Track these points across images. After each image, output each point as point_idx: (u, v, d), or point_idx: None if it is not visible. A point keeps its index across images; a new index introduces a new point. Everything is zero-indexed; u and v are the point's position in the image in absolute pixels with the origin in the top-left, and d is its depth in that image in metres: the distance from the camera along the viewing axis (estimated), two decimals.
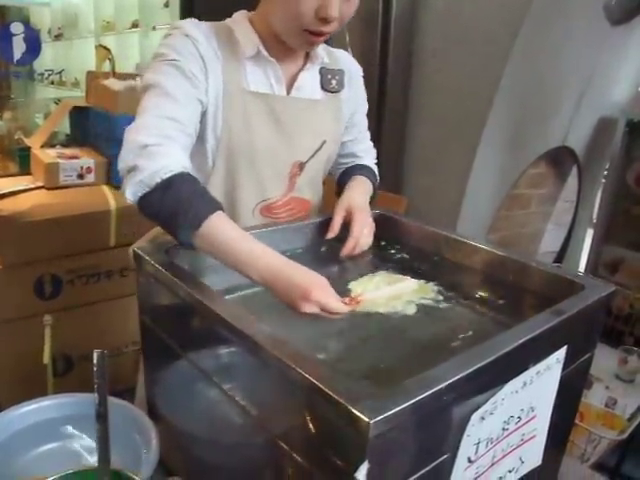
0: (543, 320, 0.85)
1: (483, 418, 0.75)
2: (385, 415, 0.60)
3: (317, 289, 0.91)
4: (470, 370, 0.70)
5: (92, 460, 0.96)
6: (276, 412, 0.78)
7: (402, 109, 2.35)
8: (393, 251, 1.29)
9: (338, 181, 1.42)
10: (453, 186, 2.30)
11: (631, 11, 2.42)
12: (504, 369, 0.77)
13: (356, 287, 1.08)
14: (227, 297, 0.97)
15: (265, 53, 1.18)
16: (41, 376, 2.06)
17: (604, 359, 2.25)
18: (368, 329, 0.96)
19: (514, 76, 2.11)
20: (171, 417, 1.06)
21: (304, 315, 0.91)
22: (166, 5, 4.09)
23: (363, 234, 1.20)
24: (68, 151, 2.28)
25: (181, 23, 1.14)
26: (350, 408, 0.60)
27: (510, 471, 0.88)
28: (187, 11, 3.01)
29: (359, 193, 1.32)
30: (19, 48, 3.05)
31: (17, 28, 3.04)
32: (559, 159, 2.88)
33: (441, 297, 1.07)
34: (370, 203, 1.34)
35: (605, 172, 3.04)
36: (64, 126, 2.79)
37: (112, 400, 0.95)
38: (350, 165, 1.44)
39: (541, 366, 0.83)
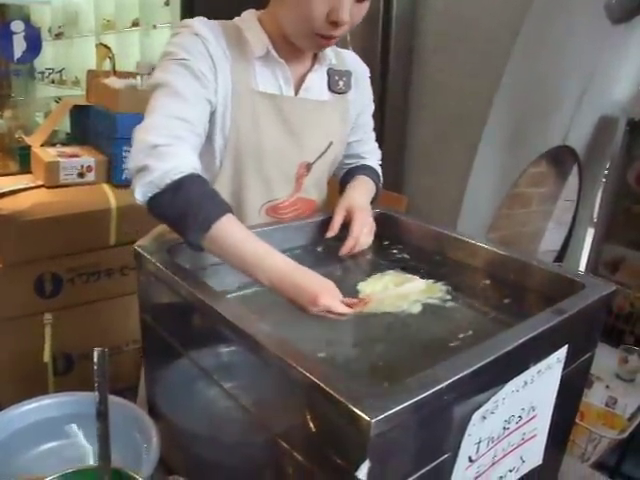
0: (544, 319, 0.85)
1: (484, 417, 0.74)
2: (386, 414, 0.60)
3: (325, 294, 0.92)
4: (471, 369, 0.70)
5: (92, 459, 0.96)
6: (277, 411, 0.78)
7: (403, 107, 2.35)
8: (394, 250, 1.29)
9: (341, 181, 1.42)
10: (454, 185, 2.30)
11: (632, 10, 2.42)
12: (505, 368, 0.77)
13: (364, 288, 1.07)
14: (228, 296, 0.97)
15: (274, 54, 1.17)
16: (41, 375, 2.07)
17: (604, 358, 2.25)
18: (370, 328, 0.96)
19: (515, 75, 2.11)
20: (172, 416, 1.06)
21: (308, 314, 0.92)
22: (166, 3, 4.08)
23: (363, 233, 1.20)
24: (68, 150, 2.28)
25: (190, 22, 1.13)
26: (351, 407, 0.60)
27: (511, 470, 0.88)
28: (188, 10, 3.01)
29: (360, 193, 1.32)
30: (19, 46, 3.05)
31: (18, 26, 3.04)
32: (560, 158, 2.88)
33: (448, 297, 1.07)
34: (372, 203, 1.34)
35: (606, 171, 3.04)
36: (64, 125, 2.79)
37: (112, 399, 0.95)
38: (354, 165, 1.44)
39: (542, 365, 0.83)
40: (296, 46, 1.15)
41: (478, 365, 0.71)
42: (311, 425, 0.70)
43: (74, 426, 1.03)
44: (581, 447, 1.71)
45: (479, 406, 0.73)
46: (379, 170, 1.47)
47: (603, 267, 2.92)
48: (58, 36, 5.90)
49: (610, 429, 1.89)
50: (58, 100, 3.88)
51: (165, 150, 1.00)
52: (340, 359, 0.88)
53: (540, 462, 0.95)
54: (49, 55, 5.84)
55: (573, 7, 2.19)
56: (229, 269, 1.00)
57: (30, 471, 0.93)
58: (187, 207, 0.97)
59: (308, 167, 1.27)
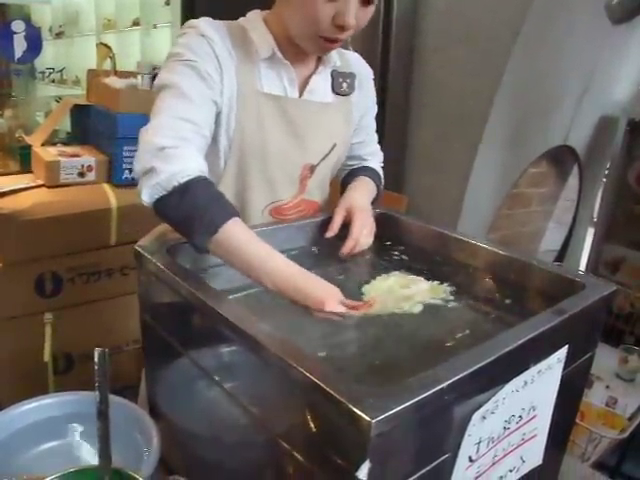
0: (544, 319, 0.85)
1: (484, 417, 0.75)
2: (386, 414, 0.60)
3: (330, 300, 0.93)
4: (471, 369, 0.70)
5: (93, 459, 0.96)
6: (277, 411, 0.78)
7: (403, 107, 2.35)
8: (394, 251, 1.29)
9: (342, 182, 1.42)
10: (454, 185, 2.30)
11: (632, 10, 2.42)
12: (505, 368, 0.77)
13: (369, 290, 1.07)
14: (229, 296, 0.97)
15: (280, 55, 1.17)
16: (42, 374, 2.07)
17: (605, 358, 2.25)
18: (370, 328, 0.96)
19: (515, 74, 2.11)
20: (172, 416, 1.06)
21: (312, 316, 0.93)
22: (167, 3, 4.07)
23: (363, 234, 1.20)
24: (69, 149, 2.27)
25: (196, 22, 1.13)
26: (351, 407, 0.60)
27: (511, 470, 0.88)
28: (188, 9, 3.01)
29: (361, 193, 1.32)
30: (20, 46, 3.04)
31: (18, 26, 3.03)
32: (560, 158, 2.88)
33: (451, 297, 1.07)
34: (373, 205, 1.34)
35: (606, 171, 3.04)
36: (65, 124, 2.78)
37: (113, 398, 0.95)
38: (355, 167, 1.44)
39: (542, 365, 0.83)
40: (301, 48, 1.15)
41: (478, 365, 0.71)
42: (311, 425, 0.70)
43: (74, 426, 1.03)
44: (581, 447, 1.71)
45: (479, 406, 0.73)
46: (381, 172, 1.48)
47: (603, 267, 2.93)
48: (59, 35, 5.89)
49: (610, 429, 1.89)
50: (59, 99, 3.87)
51: (172, 152, 1.00)
52: (340, 359, 0.88)
53: (540, 462, 0.95)
54: (50, 55, 5.83)
55: (573, 7, 2.19)
56: (230, 270, 1.01)
57: (30, 471, 0.93)
58: (194, 210, 0.97)
59: (312, 169, 1.27)
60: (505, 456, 0.85)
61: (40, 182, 2.13)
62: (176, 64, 1.10)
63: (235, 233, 0.98)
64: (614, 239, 2.90)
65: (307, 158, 1.26)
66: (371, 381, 0.80)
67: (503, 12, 2.04)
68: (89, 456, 0.99)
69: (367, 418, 0.59)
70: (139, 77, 2.27)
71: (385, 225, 1.32)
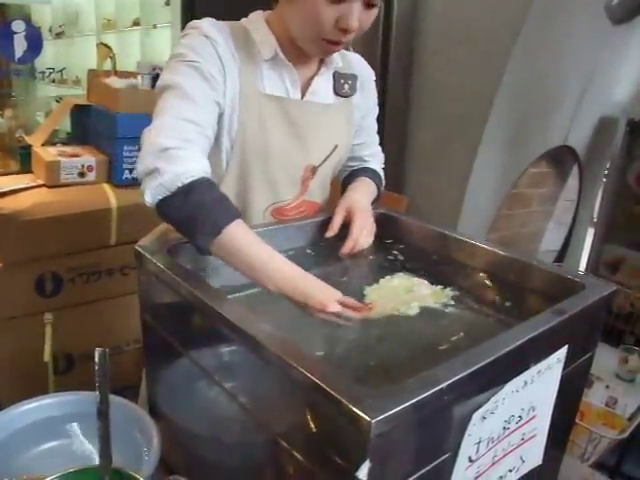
0: (544, 320, 0.85)
1: (484, 417, 0.75)
2: (386, 414, 0.60)
3: (332, 304, 0.94)
4: (471, 369, 0.70)
5: (93, 459, 0.96)
6: (277, 411, 0.79)
7: (403, 108, 2.35)
8: (394, 251, 1.29)
9: (343, 182, 1.42)
10: (454, 185, 2.30)
11: (633, 10, 2.42)
12: (505, 368, 0.77)
13: (371, 293, 1.07)
14: (229, 296, 0.97)
15: (282, 56, 1.17)
16: (42, 374, 2.07)
17: (605, 358, 2.25)
18: (368, 329, 0.96)
19: (515, 75, 2.11)
20: (172, 415, 1.06)
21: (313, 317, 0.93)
22: (167, 3, 4.08)
23: (362, 234, 1.20)
24: (69, 149, 2.28)
25: (199, 23, 1.13)
26: (352, 407, 0.60)
27: (511, 470, 0.88)
28: (188, 9, 3.02)
29: (361, 194, 1.32)
30: (20, 46, 3.04)
31: (18, 26, 3.03)
32: (560, 158, 2.88)
33: (452, 302, 1.06)
34: (373, 205, 1.34)
35: (606, 171, 3.04)
36: (65, 124, 2.79)
37: (113, 398, 0.95)
38: (356, 168, 1.44)
39: (542, 365, 0.83)
40: (303, 49, 1.15)
41: (478, 365, 0.71)
42: (311, 425, 0.70)
43: (75, 425, 1.04)
44: (581, 447, 1.71)
45: (479, 406, 0.73)
46: (381, 174, 1.48)
47: (603, 267, 2.93)
48: (59, 35, 5.90)
49: (610, 429, 1.89)
50: (59, 99, 3.88)
51: (175, 153, 1.00)
52: (339, 358, 0.88)
53: (540, 462, 0.95)
54: (50, 55, 5.83)
55: (573, 7, 2.19)
56: (230, 269, 1.01)
57: (30, 471, 0.94)
58: (197, 211, 0.97)
59: (313, 170, 1.27)
60: (505, 456, 0.85)
61: (40, 182, 2.13)
62: (179, 65, 1.09)
63: (238, 235, 0.99)
64: (614, 239, 2.90)
65: (309, 159, 1.26)
66: (370, 381, 0.80)
67: (503, 13, 2.04)
68: (89, 456, 0.99)
69: (367, 418, 0.59)
70: (139, 77, 2.28)
71: (385, 225, 1.32)
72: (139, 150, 1.04)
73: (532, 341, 0.80)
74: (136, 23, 4.51)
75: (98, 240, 2.12)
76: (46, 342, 2.04)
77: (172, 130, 1.03)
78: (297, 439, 0.74)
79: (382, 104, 1.50)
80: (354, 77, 1.31)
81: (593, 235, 3.02)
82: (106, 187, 2.18)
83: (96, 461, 0.77)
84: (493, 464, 0.83)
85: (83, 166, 2.15)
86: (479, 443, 0.76)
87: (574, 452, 1.71)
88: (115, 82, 2.28)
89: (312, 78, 1.24)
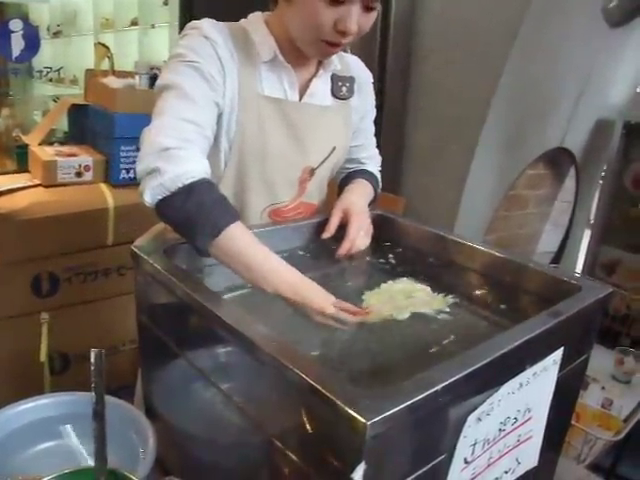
0: (540, 321, 0.85)
1: (480, 419, 0.75)
2: (382, 416, 0.60)
3: (331, 307, 0.94)
4: (467, 371, 0.70)
5: (89, 459, 0.96)
6: (273, 412, 0.78)
7: (400, 109, 2.35)
8: (390, 252, 1.29)
9: (340, 184, 1.42)
10: (451, 187, 2.30)
11: (629, 13, 2.42)
12: (501, 370, 0.77)
13: (370, 297, 1.07)
14: (225, 297, 0.97)
15: (281, 58, 1.17)
16: (38, 374, 2.06)
17: (601, 360, 2.25)
18: (364, 329, 0.96)
19: (512, 77, 2.11)
20: (168, 416, 1.06)
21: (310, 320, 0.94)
22: (165, 3, 4.08)
23: (359, 236, 1.20)
24: (66, 149, 2.27)
25: (199, 23, 1.13)
26: (347, 409, 0.60)
27: (506, 472, 0.89)
28: (187, 9, 3.01)
29: (358, 195, 1.32)
30: (18, 45, 3.04)
31: (16, 25, 3.03)
32: (557, 160, 2.89)
33: (447, 309, 1.06)
34: (369, 207, 1.34)
35: (602, 174, 3.05)
36: (62, 124, 2.78)
37: (109, 399, 0.94)
38: (353, 170, 1.44)
39: (538, 367, 0.83)
40: (302, 51, 1.15)
41: (473, 367, 0.71)
42: (307, 426, 0.70)
43: (70, 426, 1.03)
44: (577, 448, 1.72)
45: (475, 408, 0.73)
46: (378, 176, 1.48)
47: (599, 269, 2.93)
48: (56, 35, 5.89)
49: (606, 430, 1.90)
50: (56, 99, 3.87)
51: (176, 153, 1.00)
52: (335, 359, 0.88)
53: (536, 464, 0.95)
54: (47, 54, 5.83)
55: (570, 10, 2.19)
56: (226, 270, 1.01)
57: (26, 471, 0.93)
58: (198, 212, 0.97)
59: (311, 172, 1.27)
60: (500, 458, 0.85)
61: (37, 182, 2.13)
62: (179, 65, 1.09)
63: (237, 236, 0.98)
64: (610, 241, 2.90)
65: (307, 161, 1.26)
66: (366, 382, 0.80)
67: (500, 15, 2.04)
68: (85, 457, 0.99)
69: (362, 420, 0.59)
70: (137, 77, 2.27)
71: (382, 227, 1.32)
72: (138, 150, 1.04)
73: (528, 343, 0.80)
74: (134, 23, 4.51)
75: (95, 240, 2.12)
76: (42, 342, 2.04)
77: (172, 130, 1.03)
78: (293, 440, 0.74)
79: (380, 105, 1.51)
80: (352, 79, 1.31)
81: (589, 237, 3.03)
82: (103, 187, 2.18)
83: (91, 462, 0.76)
84: (489, 466, 0.83)
85: (80, 166, 2.15)
86: (475, 445, 0.76)
87: (570, 453, 1.71)
88: (113, 82, 2.27)
89: (310, 80, 1.24)
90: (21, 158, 2.39)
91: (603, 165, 3.02)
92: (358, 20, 1.04)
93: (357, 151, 1.43)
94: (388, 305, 1.04)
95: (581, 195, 3.04)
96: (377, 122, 1.47)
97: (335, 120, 1.29)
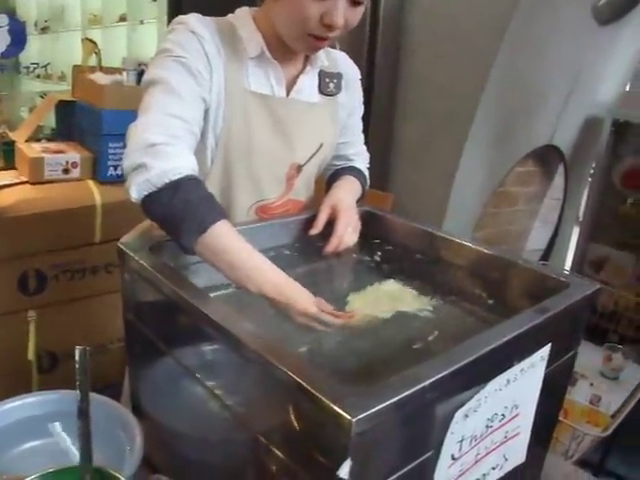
0: (527, 318, 0.85)
1: (467, 416, 0.75)
2: (368, 413, 0.60)
3: (315, 308, 0.93)
4: (453, 368, 0.70)
5: (76, 458, 0.95)
6: (260, 409, 0.78)
7: (389, 105, 2.35)
8: (379, 249, 1.29)
9: (328, 181, 1.42)
10: (440, 183, 2.30)
11: (619, 11, 2.43)
12: (488, 367, 0.77)
13: (355, 300, 1.07)
14: (211, 294, 0.97)
15: (268, 54, 1.16)
16: (26, 373, 2.05)
17: (589, 356, 2.27)
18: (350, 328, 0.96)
19: (501, 72, 2.12)
20: (155, 414, 1.05)
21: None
22: None
23: (347, 232, 1.20)
24: (53, 145, 2.25)
25: (186, 18, 1.12)
26: (332, 406, 0.60)
27: (494, 468, 0.89)
28: (175, 5, 3.00)
29: (346, 191, 1.32)
30: (4, 40, 3.00)
31: (2, 20, 2.99)
32: (546, 157, 2.90)
33: (431, 308, 1.06)
34: (357, 204, 1.34)
35: (591, 171, 3.06)
36: (50, 120, 2.76)
37: (96, 397, 0.95)
38: (341, 167, 1.44)
39: (525, 364, 0.83)
40: (289, 47, 1.14)
41: (460, 364, 0.71)
42: (293, 424, 0.69)
43: (58, 424, 1.02)
44: (565, 444, 1.72)
45: (462, 404, 0.73)
46: (366, 173, 1.47)
47: (588, 266, 2.95)
48: (44, 30, 5.85)
49: (594, 427, 1.90)
50: (43, 95, 3.84)
51: (163, 149, 0.99)
52: (320, 355, 0.88)
53: (523, 460, 0.95)
54: (35, 50, 5.79)
55: (559, 6, 2.20)
56: (212, 267, 1.00)
57: (13, 470, 0.92)
58: (184, 209, 0.96)
59: (299, 169, 1.27)
60: (488, 454, 0.85)
61: (24, 179, 2.11)
62: (166, 60, 1.08)
63: (223, 234, 0.98)
64: (599, 238, 2.92)
65: (294, 158, 1.25)
66: (352, 379, 0.80)
67: (489, 10, 2.04)
68: (72, 455, 0.98)
69: (348, 417, 0.58)
70: (124, 73, 2.25)
71: (370, 223, 1.32)
72: (124, 146, 1.03)
73: (515, 339, 0.80)
74: (122, 19, 4.49)
75: (82, 237, 2.10)
76: (30, 340, 2.02)
77: (159, 126, 1.02)
78: (279, 438, 0.73)
79: (368, 100, 1.50)
80: (339, 76, 1.31)
81: (578, 234, 3.04)
82: (91, 184, 2.16)
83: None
84: (476, 462, 0.83)
85: (67, 162, 2.13)
86: (462, 441, 0.76)
87: (558, 449, 1.72)
88: (100, 78, 2.25)
89: (297, 76, 1.23)
90: (8, 155, 2.36)
91: (592, 162, 3.04)
92: (345, 14, 1.04)
93: (345, 148, 1.42)
94: (372, 308, 1.03)
95: (570, 192, 3.05)
96: (366, 117, 1.46)
97: (322, 116, 1.28)
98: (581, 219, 3.11)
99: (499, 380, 0.79)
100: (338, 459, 0.61)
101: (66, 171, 2.13)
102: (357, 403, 0.60)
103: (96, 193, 2.11)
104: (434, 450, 0.73)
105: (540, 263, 1.22)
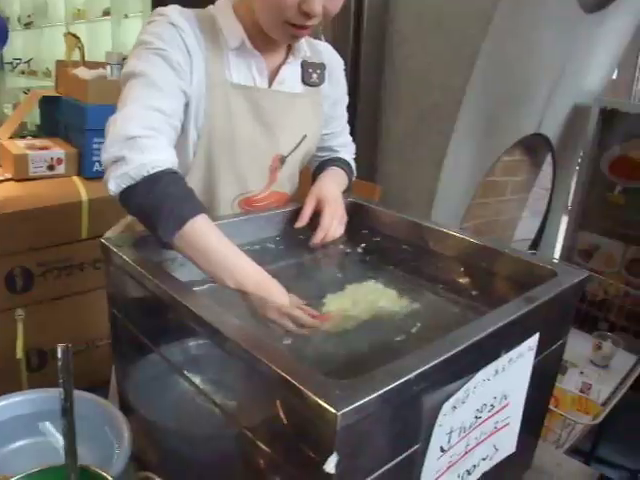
0: (515, 307, 0.85)
1: (455, 407, 0.74)
2: (353, 406, 0.59)
3: (289, 306, 0.93)
4: (441, 359, 0.69)
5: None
6: (246, 404, 0.78)
7: (376, 96, 2.34)
8: (366, 240, 1.28)
9: (313, 173, 1.41)
10: (428, 173, 2.30)
11: None
12: (476, 357, 0.76)
13: (332, 301, 1.03)
14: (195, 289, 0.96)
15: (249, 45, 1.15)
16: (15, 371, 2.04)
17: (579, 345, 2.28)
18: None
19: (487, 62, 2.11)
20: (142, 410, 1.04)
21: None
22: None
23: (333, 224, 1.19)
24: (38, 142, 2.24)
25: (166, 10, 1.11)
26: (317, 400, 0.59)
27: (484, 459, 0.88)
28: None
29: (331, 183, 1.31)
30: None
31: None
32: (534, 146, 2.90)
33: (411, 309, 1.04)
34: (343, 194, 1.33)
35: (579, 159, 3.06)
36: (34, 116, 2.74)
37: (83, 394, 0.94)
38: (327, 158, 1.43)
39: (513, 354, 0.83)
40: (270, 37, 1.13)
41: (448, 354, 0.70)
42: (279, 418, 0.69)
43: (47, 423, 1.01)
44: (556, 433, 1.73)
45: (450, 396, 0.72)
46: (352, 164, 1.46)
47: (577, 255, 2.95)
48: (27, 26, 5.80)
49: (584, 415, 1.91)
50: (27, 91, 3.81)
51: (143, 142, 0.98)
52: (305, 348, 0.88)
53: (514, 450, 0.95)
54: (19, 45, 5.74)
55: None
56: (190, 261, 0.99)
57: (1, 470, 0.91)
58: (162, 202, 0.95)
59: (282, 160, 1.26)
60: (477, 445, 0.85)
61: (8, 176, 2.10)
62: (145, 52, 1.07)
63: (201, 228, 0.96)
64: (588, 227, 2.92)
65: (277, 149, 1.24)
66: (337, 372, 0.79)
67: (474, 1, 2.04)
68: (60, 454, 0.97)
69: (333, 410, 0.58)
70: (108, 68, 2.24)
71: (356, 214, 1.31)
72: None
73: (503, 329, 0.79)
74: (107, 13, 4.45)
75: (69, 234, 2.09)
76: (18, 339, 2.01)
77: (139, 119, 1.01)
78: (266, 432, 0.73)
79: (354, 91, 1.49)
80: (322, 66, 1.30)
81: (567, 223, 3.05)
82: (76, 180, 2.15)
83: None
84: (466, 453, 0.83)
85: (52, 159, 2.12)
86: (451, 433, 0.76)
87: (549, 438, 1.73)
88: (84, 73, 2.24)
89: (280, 67, 1.22)
90: None
91: (580, 151, 3.04)
92: (323, 2, 1.03)
93: (329, 139, 1.41)
94: (351, 309, 1.01)
95: (558, 181, 3.06)
96: (352, 108, 1.45)
97: (305, 107, 1.27)
98: (570, 208, 3.11)
99: (487, 370, 0.78)
100: (324, 453, 0.60)
101: (51, 167, 2.12)
102: (342, 396, 0.60)
103: (82, 189, 2.10)
104: (422, 442, 0.72)
105: (529, 252, 1.22)
